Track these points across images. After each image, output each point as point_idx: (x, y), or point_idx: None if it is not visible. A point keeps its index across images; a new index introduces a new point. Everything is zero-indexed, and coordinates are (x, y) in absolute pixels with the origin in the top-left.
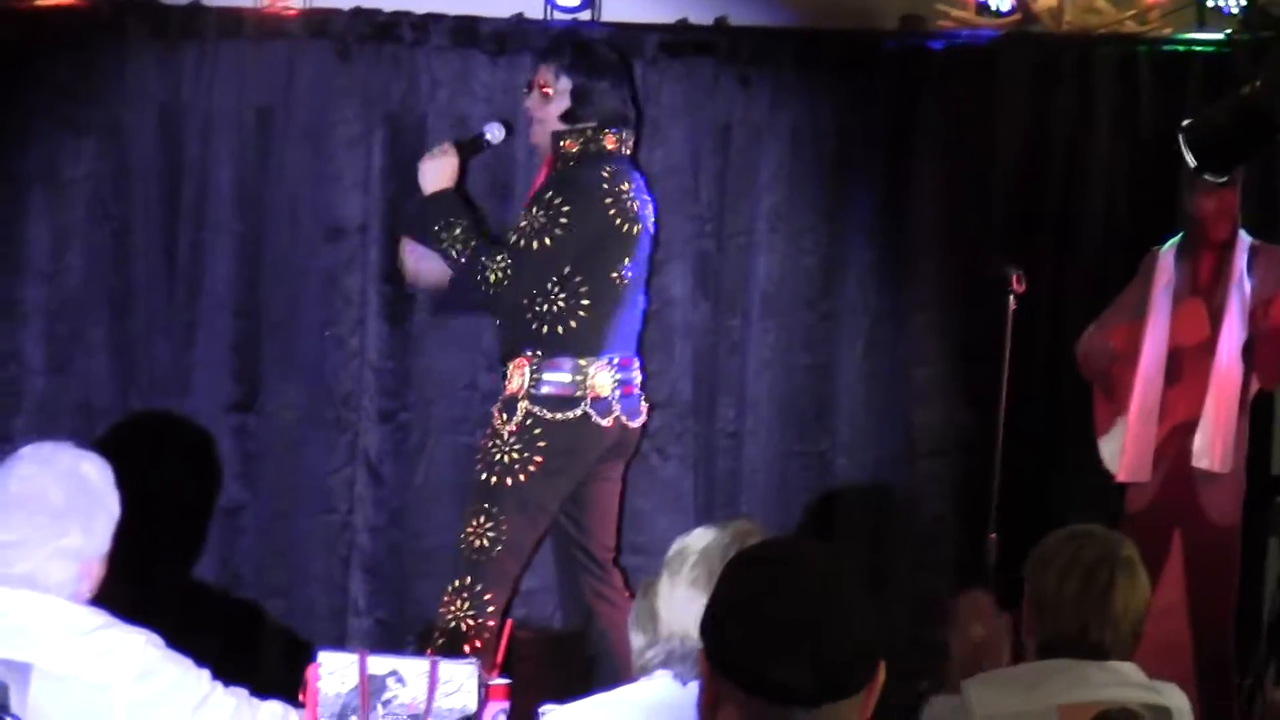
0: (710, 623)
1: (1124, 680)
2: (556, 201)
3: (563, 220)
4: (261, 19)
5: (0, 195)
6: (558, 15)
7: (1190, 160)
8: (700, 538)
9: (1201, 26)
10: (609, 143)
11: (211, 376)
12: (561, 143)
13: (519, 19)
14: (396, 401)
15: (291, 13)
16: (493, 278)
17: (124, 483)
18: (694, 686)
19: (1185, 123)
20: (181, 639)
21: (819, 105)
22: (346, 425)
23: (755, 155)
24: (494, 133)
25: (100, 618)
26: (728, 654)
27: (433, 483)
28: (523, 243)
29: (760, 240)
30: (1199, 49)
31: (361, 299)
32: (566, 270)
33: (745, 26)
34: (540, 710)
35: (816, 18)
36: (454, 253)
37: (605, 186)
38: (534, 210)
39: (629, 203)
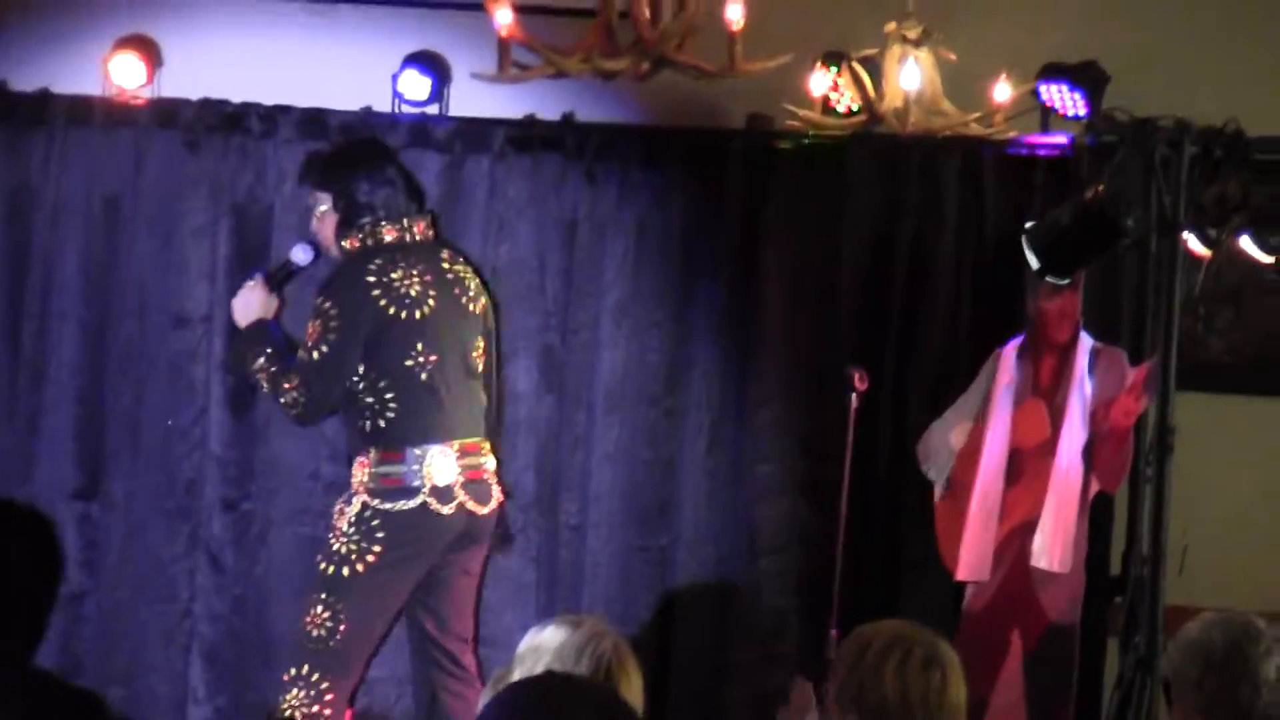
0: None
1: None
2: (325, 306)
3: (333, 323)
4: (110, 107)
5: None
6: (406, 108)
7: (1033, 262)
8: (553, 636)
9: (1046, 130)
10: (388, 234)
11: (54, 463)
12: (344, 244)
13: (367, 112)
14: (239, 490)
15: (140, 102)
16: (288, 399)
17: None
18: None
19: (1028, 225)
20: None
21: (666, 202)
22: (189, 514)
23: (600, 251)
24: (299, 255)
25: None
26: None
27: (274, 571)
28: (307, 356)
29: (605, 336)
30: (1043, 152)
31: (205, 388)
32: (361, 369)
33: (592, 123)
34: None
35: (664, 115)
36: (263, 380)
37: (371, 279)
38: (311, 318)
39: (405, 289)
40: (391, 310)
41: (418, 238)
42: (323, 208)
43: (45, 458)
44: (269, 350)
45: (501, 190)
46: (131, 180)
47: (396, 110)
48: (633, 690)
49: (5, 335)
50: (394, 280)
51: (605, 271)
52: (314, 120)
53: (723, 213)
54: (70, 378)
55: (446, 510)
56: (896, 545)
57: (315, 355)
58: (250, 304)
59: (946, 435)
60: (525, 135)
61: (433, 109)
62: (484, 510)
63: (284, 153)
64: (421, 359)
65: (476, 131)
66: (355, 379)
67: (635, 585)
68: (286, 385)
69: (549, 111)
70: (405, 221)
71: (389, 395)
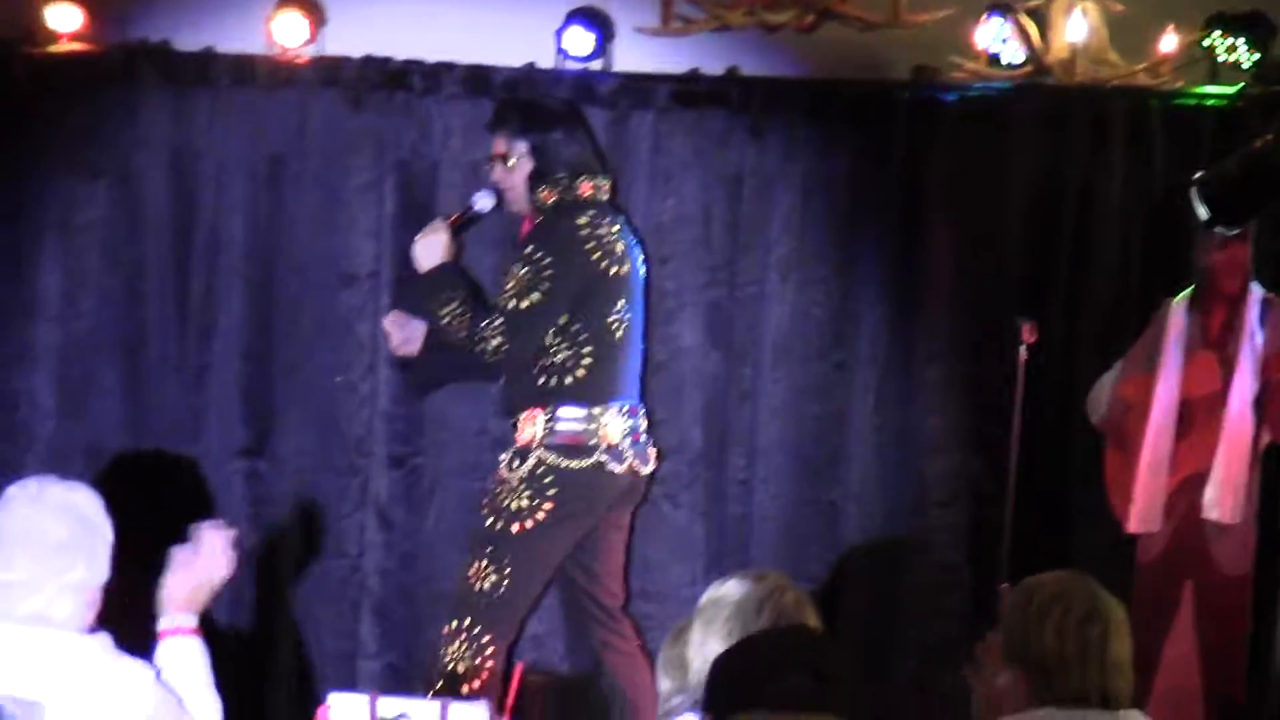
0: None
1: None
2: (538, 255)
3: (547, 272)
4: (274, 66)
5: (14, 239)
6: (569, 64)
7: (1202, 213)
8: (734, 589)
9: (1213, 80)
10: (584, 190)
11: (222, 421)
12: (538, 194)
13: (530, 68)
14: (407, 447)
15: (303, 60)
16: (491, 344)
17: (133, 525)
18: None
19: (1197, 175)
20: None
21: (831, 156)
22: (357, 470)
23: (766, 205)
24: (482, 202)
25: (107, 652)
26: (738, 685)
27: (443, 527)
28: (513, 303)
29: (771, 290)
30: (1211, 102)
31: (372, 344)
32: (563, 321)
33: (757, 77)
34: None
35: (829, 69)
36: (454, 326)
37: (585, 233)
38: (518, 267)
39: (613, 245)
40: (603, 265)
41: (605, 195)
42: (516, 158)
43: (213, 416)
44: (460, 294)
45: (666, 146)
46: (296, 139)
47: (560, 66)
48: None
49: (172, 295)
50: (604, 236)
51: (771, 226)
52: (477, 77)
53: (888, 166)
54: (237, 336)
55: (618, 469)
56: (1067, 498)
57: (524, 304)
58: (433, 248)
59: (1117, 387)
60: (689, 90)
61: (596, 65)
62: (646, 470)
63: (448, 109)
64: (619, 316)
65: (640, 87)
66: (553, 332)
67: (803, 540)
68: (486, 330)
69: (713, 66)
70: (598, 179)
71: (586, 350)
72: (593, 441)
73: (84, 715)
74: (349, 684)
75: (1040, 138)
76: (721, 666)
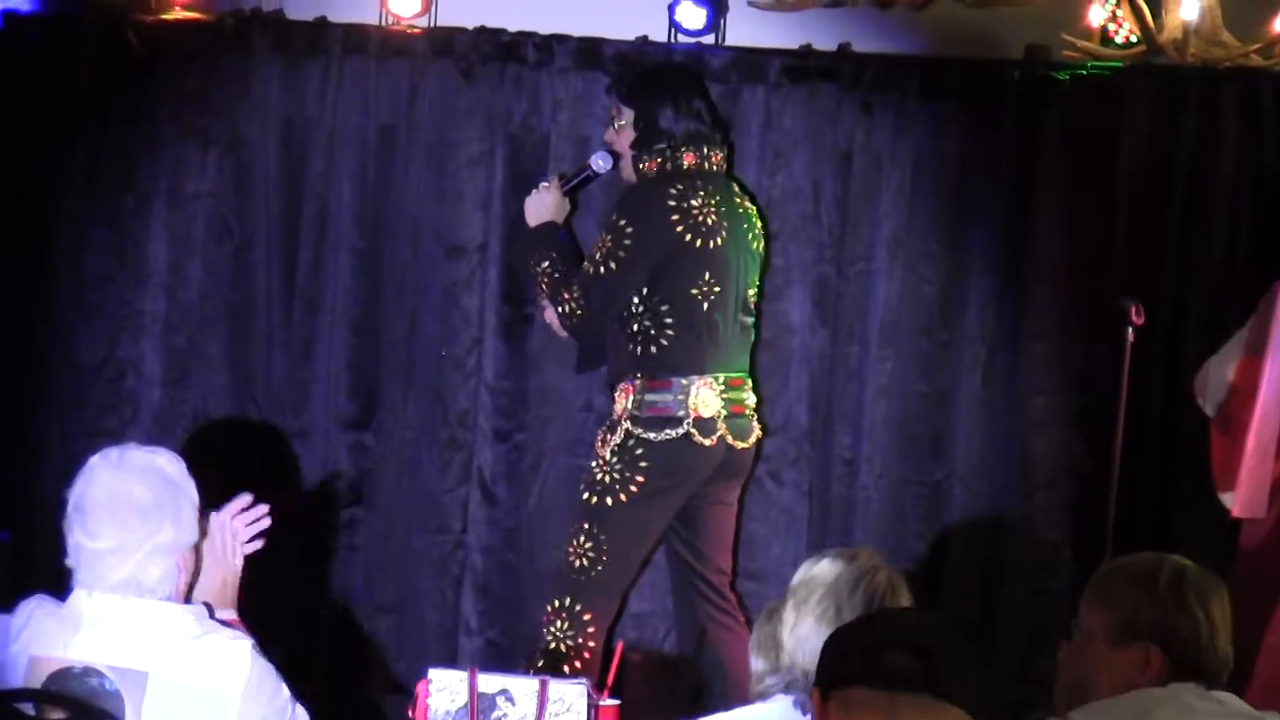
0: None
1: (1230, 710)
2: (621, 223)
3: (626, 242)
4: (386, 36)
5: (126, 207)
6: (681, 38)
7: None
8: (828, 569)
9: None
10: (687, 160)
11: (328, 393)
12: (641, 165)
13: (643, 41)
14: (512, 422)
15: (416, 31)
16: (566, 309)
17: (235, 494)
18: (787, 701)
19: None
20: (295, 651)
21: (941, 133)
22: (462, 444)
23: (876, 182)
24: (599, 163)
25: (205, 623)
26: (843, 661)
27: (546, 504)
28: (591, 270)
29: (880, 267)
30: None
31: (480, 318)
32: (645, 291)
33: (869, 53)
34: None
35: (941, 46)
36: (543, 286)
37: (672, 204)
38: (603, 235)
39: (703, 217)
40: (688, 237)
41: (713, 167)
42: (623, 122)
43: (319, 387)
44: (554, 255)
45: (777, 121)
46: (406, 110)
47: (672, 40)
48: None
49: (279, 265)
50: (693, 207)
51: (881, 203)
52: (590, 50)
53: (999, 144)
54: (344, 308)
55: (708, 442)
56: (1170, 481)
57: (602, 270)
58: (543, 205)
59: (1224, 370)
60: (801, 65)
61: (709, 39)
62: (743, 445)
63: (559, 82)
64: (706, 289)
65: (752, 62)
66: (636, 301)
67: (907, 519)
68: (565, 294)
69: (825, 41)
70: (705, 149)
71: (668, 321)
72: (680, 413)
73: (183, 685)
74: (449, 660)
75: (1151, 118)
76: (830, 643)
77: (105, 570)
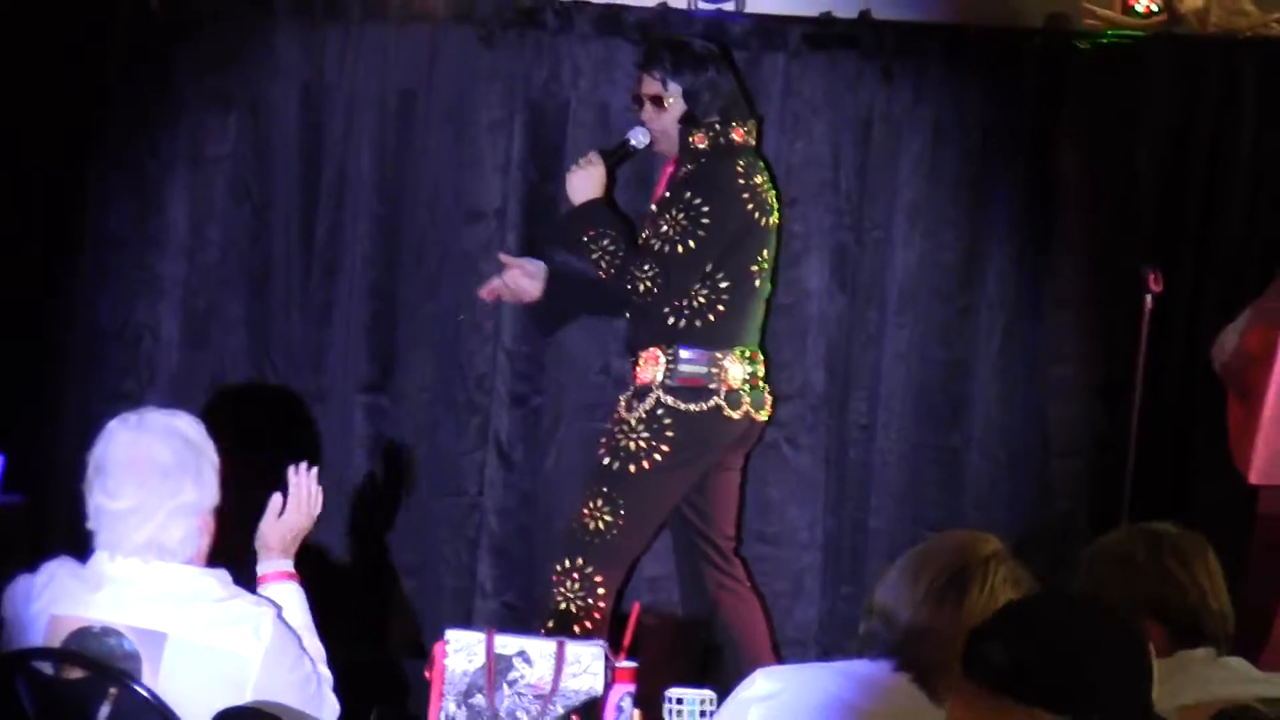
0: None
1: (1239, 676)
2: (696, 202)
3: (705, 221)
4: (406, 1)
5: (146, 170)
6: (702, 5)
7: None
8: (938, 537)
9: None
10: (737, 135)
11: (346, 356)
12: (690, 139)
13: (664, 8)
14: (529, 385)
15: None
16: (642, 288)
17: (257, 458)
18: (885, 664)
19: None
20: (312, 613)
21: (962, 101)
22: (478, 408)
23: (896, 149)
24: (639, 138)
25: (228, 587)
26: (968, 642)
27: (563, 467)
28: (666, 248)
29: (899, 234)
30: None
31: None
32: (709, 268)
33: (889, 21)
34: (668, 693)
35: (962, 14)
36: (603, 264)
37: (741, 181)
38: (673, 213)
39: (763, 195)
40: (755, 215)
41: (753, 142)
42: (671, 99)
43: (337, 350)
44: (613, 233)
45: (797, 88)
46: (426, 75)
47: (693, 7)
48: None
49: (298, 228)
50: (756, 185)
51: (900, 170)
52: (610, 16)
53: (1019, 112)
54: (363, 271)
55: (735, 415)
56: (1189, 448)
57: (681, 249)
58: (588, 181)
59: (1240, 338)
60: (821, 33)
61: (729, 6)
62: (762, 416)
63: (579, 49)
64: (761, 265)
65: (772, 29)
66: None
67: (924, 485)
68: (637, 272)
69: (845, 9)
70: (749, 124)
71: (725, 297)
72: (713, 385)
73: (203, 648)
74: (465, 622)
75: (1172, 87)
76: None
77: (127, 531)
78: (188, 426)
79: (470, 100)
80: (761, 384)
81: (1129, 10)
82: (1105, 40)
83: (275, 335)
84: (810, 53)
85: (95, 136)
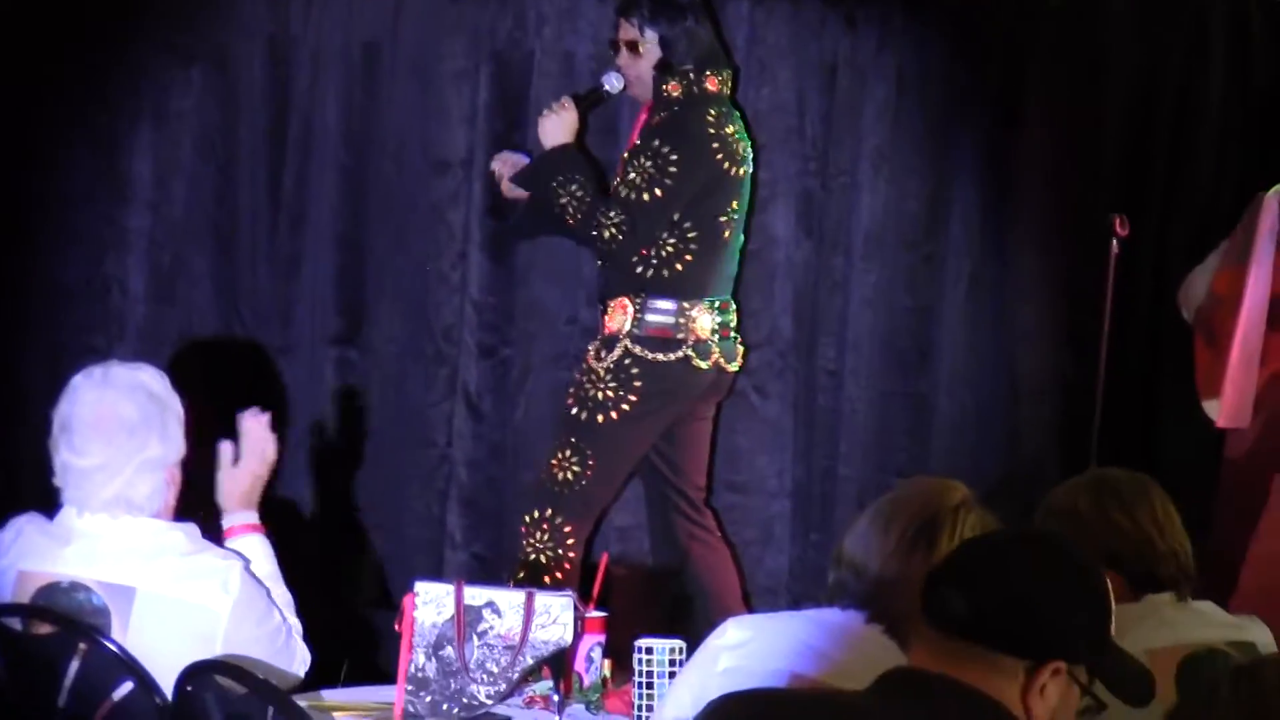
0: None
1: (1207, 621)
2: (665, 150)
3: (672, 170)
4: None
5: (108, 125)
6: None
7: None
8: (907, 485)
9: None
10: (711, 85)
11: (314, 309)
12: (664, 86)
13: None
14: (497, 336)
15: None
16: (607, 234)
17: (226, 411)
18: (855, 614)
19: None
20: (281, 566)
21: (926, 48)
22: (446, 359)
23: (860, 96)
24: (612, 83)
25: (196, 541)
26: (925, 588)
27: (532, 418)
28: (633, 195)
29: (864, 180)
30: None
31: (464, 234)
32: (676, 216)
33: None
34: (637, 643)
35: None
36: (570, 208)
37: (712, 131)
38: (642, 160)
39: (735, 145)
40: (725, 165)
41: (727, 91)
42: (646, 45)
43: (305, 303)
44: (580, 178)
45: (761, 35)
46: (390, 27)
47: None
48: None
49: (264, 181)
50: (727, 134)
51: (865, 116)
52: None
53: (985, 59)
54: (329, 224)
55: (704, 365)
56: (1156, 392)
57: (647, 197)
58: (560, 125)
59: (1207, 280)
60: None
61: None
62: (733, 368)
63: None
64: (730, 215)
65: None
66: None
67: (892, 432)
68: (603, 219)
69: None
70: (724, 74)
71: (693, 247)
72: (680, 335)
73: (172, 600)
74: (435, 573)
75: (1138, 32)
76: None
77: (93, 488)
78: (152, 380)
79: (435, 52)
80: (733, 334)
81: None
82: None
83: (242, 289)
84: (774, 0)
85: (56, 94)
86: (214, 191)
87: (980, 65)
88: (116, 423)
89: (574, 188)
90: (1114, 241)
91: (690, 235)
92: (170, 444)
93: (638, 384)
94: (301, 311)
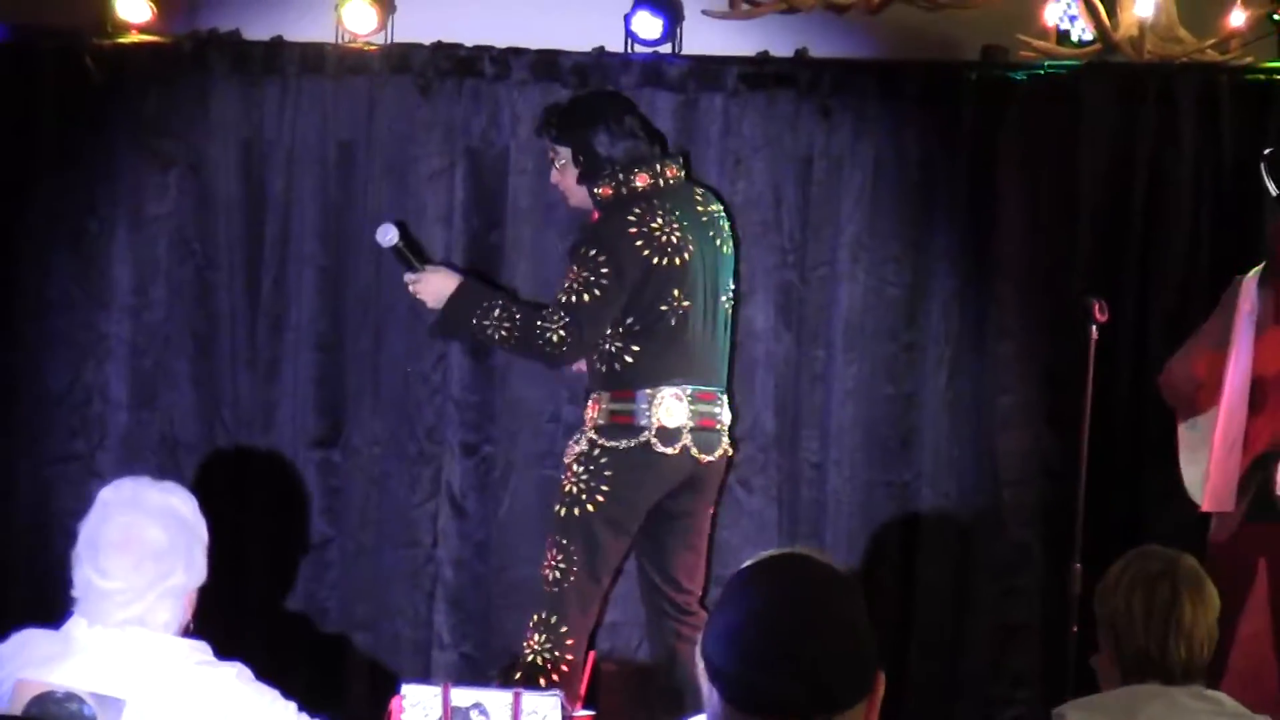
0: (708, 644)
1: (1226, 710)
2: (591, 254)
3: (603, 271)
4: (343, 54)
5: (87, 230)
6: (638, 48)
7: (1272, 189)
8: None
9: None
10: (640, 181)
11: (295, 411)
12: (595, 190)
13: (600, 53)
14: (479, 434)
15: (373, 48)
16: (555, 337)
17: (211, 516)
18: None
19: (1267, 151)
20: (269, 671)
21: (901, 136)
22: (430, 459)
23: (837, 186)
24: (384, 236)
25: (199, 653)
26: (724, 676)
27: (516, 515)
28: (573, 299)
29: (843, 271)
30: None
31: None
32: (620, 313)
33: (826, 58)
34: None
35: (898, 49)
36: (504, 330)
37: (633, 230)
38: (575, 267)
39: (666, 237)
40: (655, 259)
41: (669, 182)
42: (562, 161)
43: (286, 405)
44: (496, 302)
45: (736, 128)
46: (365, 126)
47: (629, 50)
48: None
49: (242, 284)
50: (654, 229)
51: (842, 207)
52: (547, 62)
53: (958, 145)
54: (309, 325)
55: (671, 450)
56: (1139, 476)
57: (585, 297)
58: (437, 279)
59: (1189, 365)
60: (758, 72)
61: (665, 48)
62: (708, 458)
63: (518, 95)
64: (674, 304)
65: (709, 70)
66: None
67: (877, 521)
68: (547, 324)
69: (781, 48)
70: (657, 166)
71: (635, 339)
72: (643, 422)
73: (166, 715)
74: (424, 674)
75: (1110, 115)
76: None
77: (112, 608)
78: (182, 504)
79: (410, 151)
80: (719, 426)
81: (1064, 40)
82: (1042, 71)
83: (224, 392)
84: (748, 92)
85: (36, 199)
86: (193, 295)
87: (954, 151)
88: (144, 548)
89: (496, 313)
90: (1093, 326)
91: (635, 329)
92: (194, 572)
93: (607, 473)
94: (283, 414)
